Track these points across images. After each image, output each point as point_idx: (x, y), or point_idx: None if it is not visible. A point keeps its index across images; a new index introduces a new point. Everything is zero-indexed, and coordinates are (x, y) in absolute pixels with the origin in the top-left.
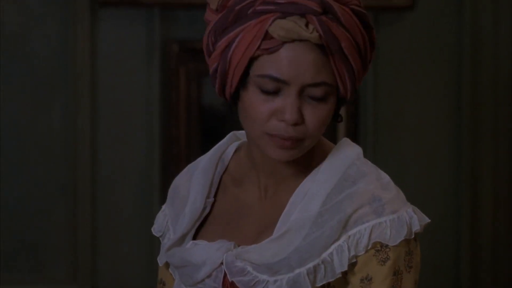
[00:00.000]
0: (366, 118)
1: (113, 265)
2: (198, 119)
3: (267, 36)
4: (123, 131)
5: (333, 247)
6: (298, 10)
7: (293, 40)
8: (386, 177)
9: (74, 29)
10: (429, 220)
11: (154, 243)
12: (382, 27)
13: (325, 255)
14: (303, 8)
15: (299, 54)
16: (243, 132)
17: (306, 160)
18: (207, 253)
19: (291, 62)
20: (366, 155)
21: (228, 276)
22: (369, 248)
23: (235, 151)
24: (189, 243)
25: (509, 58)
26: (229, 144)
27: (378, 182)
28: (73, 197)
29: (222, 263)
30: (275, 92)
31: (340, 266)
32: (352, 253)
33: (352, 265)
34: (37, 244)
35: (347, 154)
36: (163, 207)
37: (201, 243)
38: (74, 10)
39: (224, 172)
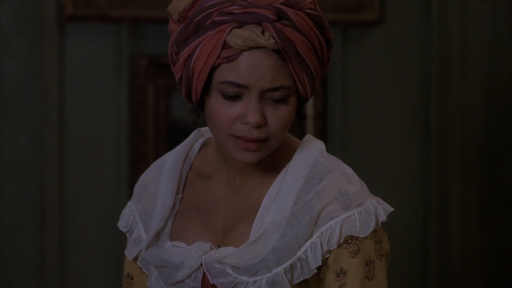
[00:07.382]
0: (334, 133)
1: (82, 283)
2: (166, 134)
3: (225, 45)
4: (91, 147)
5: (306, 244)
6: (254, 19)
7: (250, 48)
8: (349, 170)
9: (41, 44)
10: (393, 209)
11: (122, 260)
12: (350, 42)
13: (300, 253)
14: (258, 16)
15: (257, 60)
16: (207, 128)
17: (273, 157)
18: (185, 255)
19: (249, 68)
20: None
21: (209, 277)
22: (341, 242)
23: (201, 147)
24: (167, 244)
25: (478, 73)
26: (195, 141)
27: (343, 177)
28: (41, 214)
29: (201, 265)
30: (236, 97)
31: (315, 261)
32: (325, 248)
33: (325, 260)
34: (4, 262)
35: (310, 151)
36: (129, 203)
37: (179, 245)
38: (42, 25)
39: (189, 169)
